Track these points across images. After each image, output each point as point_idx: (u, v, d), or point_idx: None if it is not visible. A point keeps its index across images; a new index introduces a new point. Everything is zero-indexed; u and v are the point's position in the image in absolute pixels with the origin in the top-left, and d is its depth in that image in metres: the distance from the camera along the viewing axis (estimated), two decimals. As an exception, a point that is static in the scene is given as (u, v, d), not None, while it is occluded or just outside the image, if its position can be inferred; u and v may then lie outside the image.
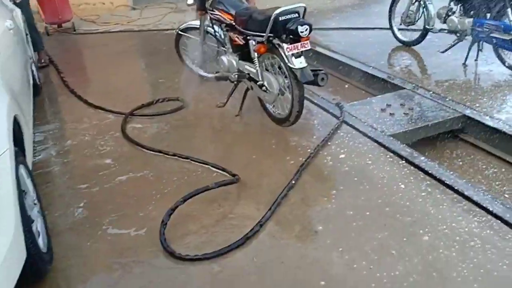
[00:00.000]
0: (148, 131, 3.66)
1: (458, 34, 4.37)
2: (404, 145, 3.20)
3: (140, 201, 2.74)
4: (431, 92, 3.96)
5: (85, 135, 3.67)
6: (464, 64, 4.37)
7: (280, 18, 3.07)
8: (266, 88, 3.38)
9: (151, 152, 3.30)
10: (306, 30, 3.03)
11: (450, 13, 4.42)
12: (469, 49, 4.34)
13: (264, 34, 3.15)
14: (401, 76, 4.33)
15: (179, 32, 4.39)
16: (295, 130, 3.49)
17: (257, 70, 3.40)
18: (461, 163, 3.44)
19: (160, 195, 2.79)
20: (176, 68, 4.71)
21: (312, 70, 3.41)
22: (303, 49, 3.11)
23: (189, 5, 3.87)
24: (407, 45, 5.03)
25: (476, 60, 4.38)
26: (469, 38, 4.31)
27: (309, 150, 3.19)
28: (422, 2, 4.72)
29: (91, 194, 2.87)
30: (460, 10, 4.36)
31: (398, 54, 4.93)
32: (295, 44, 3.07)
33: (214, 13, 3.75)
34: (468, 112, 3.59)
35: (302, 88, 3.21)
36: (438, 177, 2.78)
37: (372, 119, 3.61)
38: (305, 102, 3.86)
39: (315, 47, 5.41)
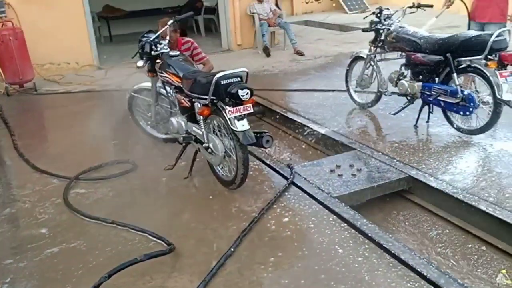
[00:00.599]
0: (91, 197, 3.56)
1: (408, 97, 4.47)
2: (348, 207, 3.18)
3: (67, 276, 2.60)
4: (380, 153, 3.99)
5: (26, 202, 3.54)
6: (416, 126, 4.44)
7: (222, 82, 3.11)
8: (212, 150, 3.36)
9: (90, 220, 3.18)
10: (247, 94, 3.07)
11: (401, 77, 4.55)
12: (420, 111, 4.43)
13: (207, 97, 3.17)
14: (355, 137, 4.35)
15: (132, 93, 4.41)
16: (242, 192, 3.45)
17: (202, 132, 3.40)
18: (407, 224, 3.41)
19: (88, 268, 2.66)
20: (130, 129, 4.68)
21: (257, 133, 3.44)
22: (246, 112, 3.14)
23: (138, 67, 3.89)
24: (362, 107, 5.11)
25: (427, 121, 4.46)
26: (420, 101, 4.40)
27: (253, 214, 3.13)
28: (375, 67, 4.85)
29: (19, 269, 2.71)
30: (410, 74, 4.49)
31: (354, 116, 4.99)
32: (237, 107, 3.10)
33: (163, 75, 3.78)
34: (413, 173, 3.60)
35: (246, 151, 3.20)
36: (377, 241, 2.75)
37: (320, 180, 3.60)
38: (257, 163, 3.93)
39: (273, 108, 5.53)
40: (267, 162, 3.99)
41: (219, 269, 2.58)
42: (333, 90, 5.83)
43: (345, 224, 2.96)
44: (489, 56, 3.71)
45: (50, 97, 6.71)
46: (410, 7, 4.66)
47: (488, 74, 3.72)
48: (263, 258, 2.68)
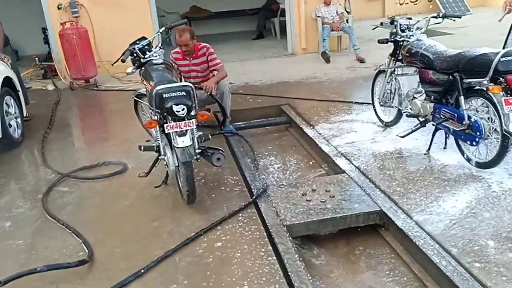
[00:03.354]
0: (67, 196, 3.74)
1: (420, 119, 3.97)
2: (290, 238, 2.94)
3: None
4: (367, 180, 3.61)
5: (13, 192, 3.83)
6: (427, 152, 3.92)
7: (164, 96, 3.04)
8: (166, 162, 3.32)
9: (50, 218, 3.34)
10: (183, 110, 2.97)
11: (416, 96, 4.06)
12: (433, 135, 3.91)
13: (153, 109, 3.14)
14: (355, 159, 3.99)
15: (134, 98, 4.52)
16: (200, 207, 3.37)
17: (158, 145, 3.37)
18: (366, 264, 3.02)
19: (19, 265, 2.77)
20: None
21: (211, 149, 3.33)
22: (187, 128, 3.03)
23: (127, 73, 3.98)
24: (386, 126, 4.66)
25: (444, 147, 3.92)
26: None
27: (192, 234, 3.03)
28: (394, 82, 4.39)
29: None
30: (424, 93, 3.99)
31: (365, 134, 4.55)
32: (177, 123, 3.02)
33: (144, 83, 3.82)
34: (386, 207, 3.19)
35: (188, 167, 3.11)
36: (292, 282, 2.49)
37: (284, 204, 3.36)
38: (238, 177, 3.79)
39: (295, 119, 5.30)
40: (246, 177, 3.85)
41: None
42: (362, 103, 5.42)
43: (272, 258, 2.73)
44: (500, 79, 3.13)
45: (106, 94, 7.20)
46: (435, 17, 4.12)
47: (495, 100, 3.14)
48: (166, 283, 2.58)
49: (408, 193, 3.34)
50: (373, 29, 4.66)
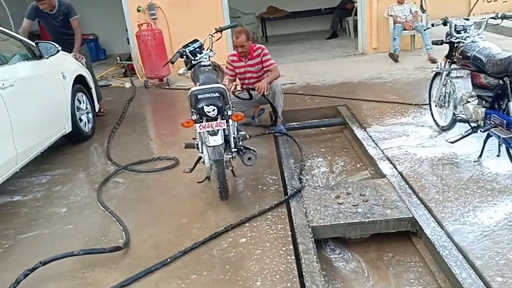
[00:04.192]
0: (121, 187, 4.06)
1: (472, 124, 3.76)
2: (312, 240, 2.96)
3: (48, 249, 3.09)
4: (406, 186, 3.51)
5: (79, 182, 4.25)
6: (477, 160, 3.71)
7: (199, 96, 3.19)
8: (203, 160, 3.49)
9: (100, 207, 3.67)
10: (213, 110, 3.10)
11: (470, 100, 3.85)
12: (484, 142, 3.68)
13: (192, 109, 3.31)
14: (399, 163, 3.90)
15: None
16: (234, 203, 3.51)
17: (198, 143, 3.54)
18: (391, 270, 2.95)
19: (65, 247, 3.08)
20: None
21: (246, 148, 3.45)
22: (218, 128, 3.17)
23: (179, 74, 4.21)
24: (442, 130, 4.46)
25: (498, 155, 3.69)
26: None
27: (221, 229, 3.17)
28: (451, 84, 4.19)
29: (19, 241, 3.35)
30: (477, 97, 3.77)
31: (415, 137, 4.43)
32: (209, 123, 3.16)
33: (192, 84, 4.02)
34: (419, 214, 3.09)
35: (219, 165, 3.24)
36: (304, 282, 2.54)
37: (315, 205, 3.39)
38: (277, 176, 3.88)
39: (349, 120, 5.25)
40: (285, 177, 3.92)
41: (145, 276, 2.74)
42: (421, 105, 5.23)
43: (290, 257, 2.78)
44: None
45: (175, 92, 7.61)
46: (493, 18, 3.87)
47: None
48: (187, 273, 2.74)
49: (446, 202, 3.20)
50: (424, 30, 4.47)
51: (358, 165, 4.46)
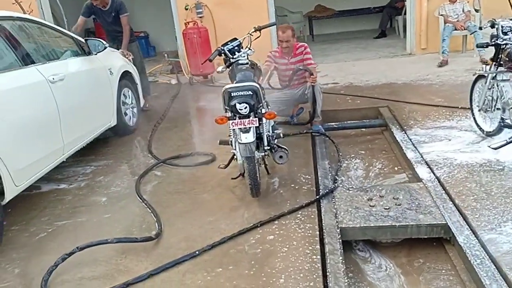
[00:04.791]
0: (158, 180, 4.20)
1: (516, 130, 3.61)
2: (340, 240, 2.96)
3: (87, 234, 3.29)
4: (442, 191, 3.41)
5: (117, 172, 4.43)
6: (524, 167, 3.56)
7: (232, 94, 3.25)
8: (236, 157, 3.55)
9: (139, 199, 3.81)
10: (246, 108, 3.15)
11: (519, 103, 3.69)
12: (529, 148, 3.54)
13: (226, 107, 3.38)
14: (437, 168, 3.80)
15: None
16: (265, 201, 3.55)
17: (231, 140, 3.61)
18: (421, 278, 2.89)
19: (102, 234, 3.25)
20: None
21: (279, 147, 3.48)
22: (250, 125, 3.21)
23: (218, 72, 4.28)
24: (487, 135, 4.29)
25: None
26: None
27: (250, 225, 3.22)
28: (498, 88, 4.03)
29: (61, 227, 3.56)
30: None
31: (457, 141, 4.30)
32: (242, 120, 3.21)
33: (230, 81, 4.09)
34: (453, 221, 3.00)
35: (250, 162, 3.28)
36: (327, 283, 2.54)
37: (346, 207, 3.37)
38: (310, 176, 3.89)
39: (389, 122, 5.15)
40: (318, 177, 3.91)
41: (173, 266, 2.83)
42: (467, 108, 5.02)
43: (316, 257, 2.79)
44: None
45: (219, 89, 7.57)
46: (545, 20, 3.68)
47: None
48: (213, 266, 2.80)
49: (483, 209, 3.09)
50: (472, 32, 4.31)
51: (396, 168, 4.38)
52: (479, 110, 4.34)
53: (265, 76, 4.63)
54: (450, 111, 5.21)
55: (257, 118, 3.27)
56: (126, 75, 5.46)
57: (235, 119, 3.26)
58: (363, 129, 5.49)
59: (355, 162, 4.61)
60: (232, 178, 3.95)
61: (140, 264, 2.89)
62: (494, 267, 2.53)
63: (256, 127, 3.34)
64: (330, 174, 4.00)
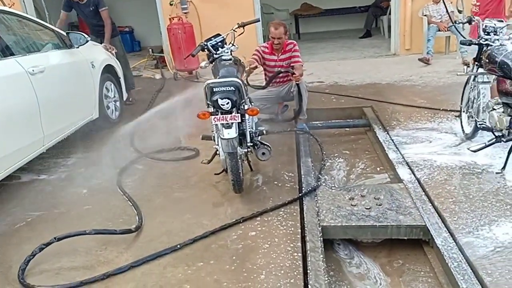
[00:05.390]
0: (138, 173, 4.17)
1: (496, 133, 3.66)
2: (321, 238, 2.97)
3: (69, 223, 3.28)
4: (422, 193, 3.45)
5: (102, 165, 4.38)
6: (501, 171, 3.61)
7: (214, 89, 3.24)
8: (219, 153, 3.54)
9: (119, 191, 3.78)
10: (228, 104, 3.14)
11: (496, 107, 3.75)
12: (509, 153, 3.59)
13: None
14: (416, 169, 3.85)
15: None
16: (246, 197, 3.56)
17: (214, 135, 3.59)
18: (399, 279, 2.92)
19: (80, 225, 3.20)
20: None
21: (262, 144, 3.49)
22: (232, 121, 3.20)
23: (201, 67, 4.27)
24: (466, 137, 4.36)
25: (526, 168, 3.59)
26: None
27: (233, 220, 3.22)
28: (477, 89, 4.09)
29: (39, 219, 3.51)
30: (503, 105, 3.67)
31: (437, 143, 4.37)
32: (223, 115, 3.20)
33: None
34: (431, 223, 3.05)
35: (233, 158, 3.28)
36: (307, 280, 2.55)
37: (328, 205, 3.39)
38: (293, 174, 3.90)
39: (372, 122, 5.20)
40: (302, 175, 3.93)
41: (154, 259, 2.82)
42: (449, 111, 5.14)
43: (297, 254, 2.80)
44: None
45: (200, 84, 7.67)
46: (527, 20, 3.75)
47: None
48: (194, 260, 2.80)
49: (461, 212, 3.13)
50: (448, 28, 4.38)
51: (378, 169, 4.42)
52: (464, 112, 4.40)
53: (247, 72, 4.62)
54: (432, 112, 5.28)
55: (239, 114, 3.26)
56: (108, 69, 5.40)
57: (217, 115, 3.25)
58: (347, 129, 5.52)
59: (338, 161, 4.63)
60: (215, 174, 3.94)
61: (121, 256, 2.87)
62: (471, 270, 2.56)
63: (238, 123, 3.34)
64: (313, 173, 4.01)
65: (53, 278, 2.69)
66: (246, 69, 4.67)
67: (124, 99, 5.97)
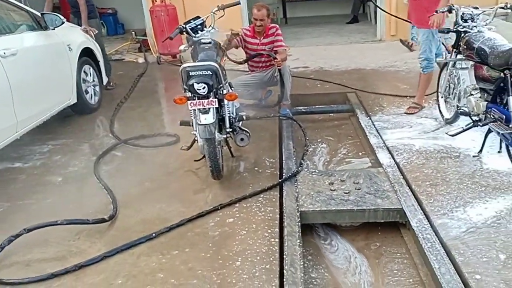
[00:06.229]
0: (117, 160, 4.10)
1: (473, 118, 3.67)
2: (298, 224, 2.95)
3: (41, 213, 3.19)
4: (401, 177, 3.45)
5: (78, 153, 4.29)
6: (477, 155, 3.63)
7: (191, 73, 3.17)
8: (197, 138, 3.49)
9: (96, 178, 3.71)
10: (204, 88, 3.07)
11: (474, 93, 3.75)
12: (485, 137, 3.60)
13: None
14: (396, 153, 3.84)
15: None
16: (226, 183, 3.52)
17: (192, 121, 3.53)
18: (376, 261, 2.91)
19: (51, 214, 3.12)
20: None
21: (241, 129, 3.44)
22: (209, 106, 3.14)
23: (180, 50, 4.18)
24: (446, 122, 4.36)
25: (499, 151, 3.59)
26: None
27: (211, 207, 3.18)
28: (456, 74, 4.08)
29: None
30: (479, 90, 3.67)
31: (414, 127, 4.40)
32: (200, 100, 3.13)
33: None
34: (408, 205, 3.04)
35: (210, 144, 3.22)
36: (284, 264, 2.54)
37: (308, 190, 3.36)
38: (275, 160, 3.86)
39: (355, 108, 5.16)
40: (283, 161, 3.89)
41: (128, 248, 2.77)
42: (427, 94, 5.10)
43: (274, 240, 2.78)
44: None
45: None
46: (503, 8, 3.73)
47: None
48: (169, 249, 2.75)
49: (438, 195, 3.14)
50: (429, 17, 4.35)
51: (360, 153, 4.40)
52: (441, 97, 4.40)
53: (226, 43, 4.55)
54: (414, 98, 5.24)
55: (216, 99, 3.19)
56: (87, 52, 5.27)
57: (194, 100, 3.18)
58: (331, 114, 5.49)
59: (321, 146, 4.60)
60: (195, 160, 3.87)
61: (94, 246, 2.81)
62: (444, 251, 2.57)
63: (217, 108, 3.28)
64: (294, 158, 3.98)
65: (24, 271, 2.62)
66: (224, 40, 4.60)
67: (104, 83, 5.84)
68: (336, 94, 5.79)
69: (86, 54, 5.24)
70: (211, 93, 3.16)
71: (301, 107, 5.51)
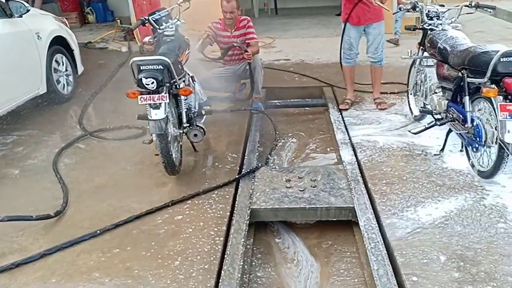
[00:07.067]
0: (80, 152, 4.06)
1: (435, 116, 3.62)
2: (246, 223, 2.91)
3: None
4: (359, 175, 3.41)
5: (42, 145, 4.24)
6: (439, 153, 3.58)
7: (141, 67, 3.11)
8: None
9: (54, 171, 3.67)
10: (152, 83, 3.01)
11: (437, 91, 3.70)
12: (446, 135, 3.56)
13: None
14: (358, 149, 3.80)
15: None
16: (182, 179, 3.49)
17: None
18: (325, 260, 2.89)
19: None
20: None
21: (197, 125, 3.39)
22: (160, 101, 3.07)
23: (143, 42, 4.12)
24: (415, 119, 4.31)
25: (461, 150, 3.54)
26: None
27: (161, 204, 3.13)
28: (422, 71, 4.03)
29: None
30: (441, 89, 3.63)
31: (373, 123, 4.37)
32: (151, 95, 3.07)
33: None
34: (360, 204, 3.01)
35: (162, 140, 3.17)
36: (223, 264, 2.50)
37: (264, 187, 3.32)
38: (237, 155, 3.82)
39: (327, 100, 5.11)
40: (245, 156, 3.85)
41: (71, 246, 2.73)
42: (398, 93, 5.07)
43: (219, 239, 2.75)
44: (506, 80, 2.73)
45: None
46: (467, 6, 3.66)
47: (494, 104, 2.76)
48: (111, 247, 2.72)
49: (391, 194, 3.10)
50: (393, 13, 4.30)
51: (328, 149, 4.36)
52: (411, 94, 4.35)
53: (200, 47, 4.49)
54: (388, 93, 5.19)
55: (167, 94, 3.13)
56: (59, 41, 5.19)
57: (146, 94, 3.12)
58: (306, 108, 5.44)
59: (291, 141, 4.56)
60: (156, 155, 3.81)
61: (36, 242, 2.77)
62: (385, 252, 2.54)
63: (173, 103, 3.22)
64: (257, 154, 3.94)
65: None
66: (200, 41, 4.54)
67: (79, 73, 5.76)
68: (313, 88, 5.74)
69: (59, 43, 5.15)
70: (163, 88, 3.10)
71: (276, 101, 5.46)
